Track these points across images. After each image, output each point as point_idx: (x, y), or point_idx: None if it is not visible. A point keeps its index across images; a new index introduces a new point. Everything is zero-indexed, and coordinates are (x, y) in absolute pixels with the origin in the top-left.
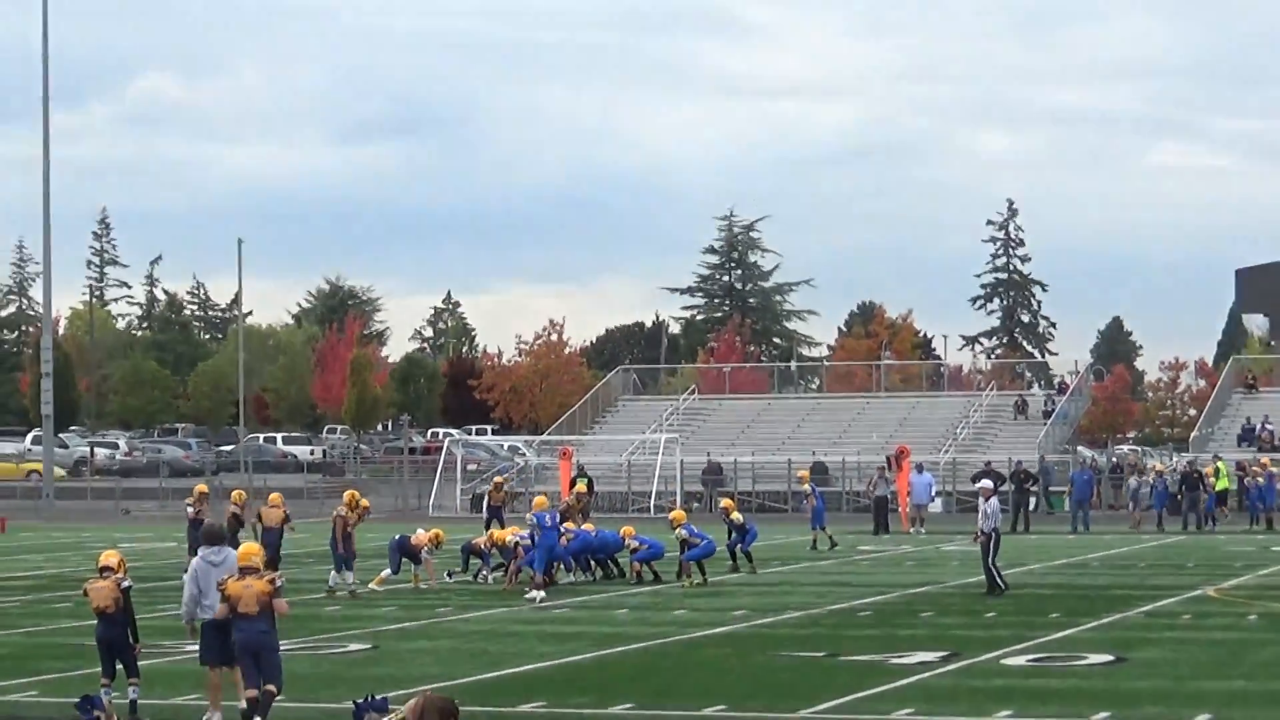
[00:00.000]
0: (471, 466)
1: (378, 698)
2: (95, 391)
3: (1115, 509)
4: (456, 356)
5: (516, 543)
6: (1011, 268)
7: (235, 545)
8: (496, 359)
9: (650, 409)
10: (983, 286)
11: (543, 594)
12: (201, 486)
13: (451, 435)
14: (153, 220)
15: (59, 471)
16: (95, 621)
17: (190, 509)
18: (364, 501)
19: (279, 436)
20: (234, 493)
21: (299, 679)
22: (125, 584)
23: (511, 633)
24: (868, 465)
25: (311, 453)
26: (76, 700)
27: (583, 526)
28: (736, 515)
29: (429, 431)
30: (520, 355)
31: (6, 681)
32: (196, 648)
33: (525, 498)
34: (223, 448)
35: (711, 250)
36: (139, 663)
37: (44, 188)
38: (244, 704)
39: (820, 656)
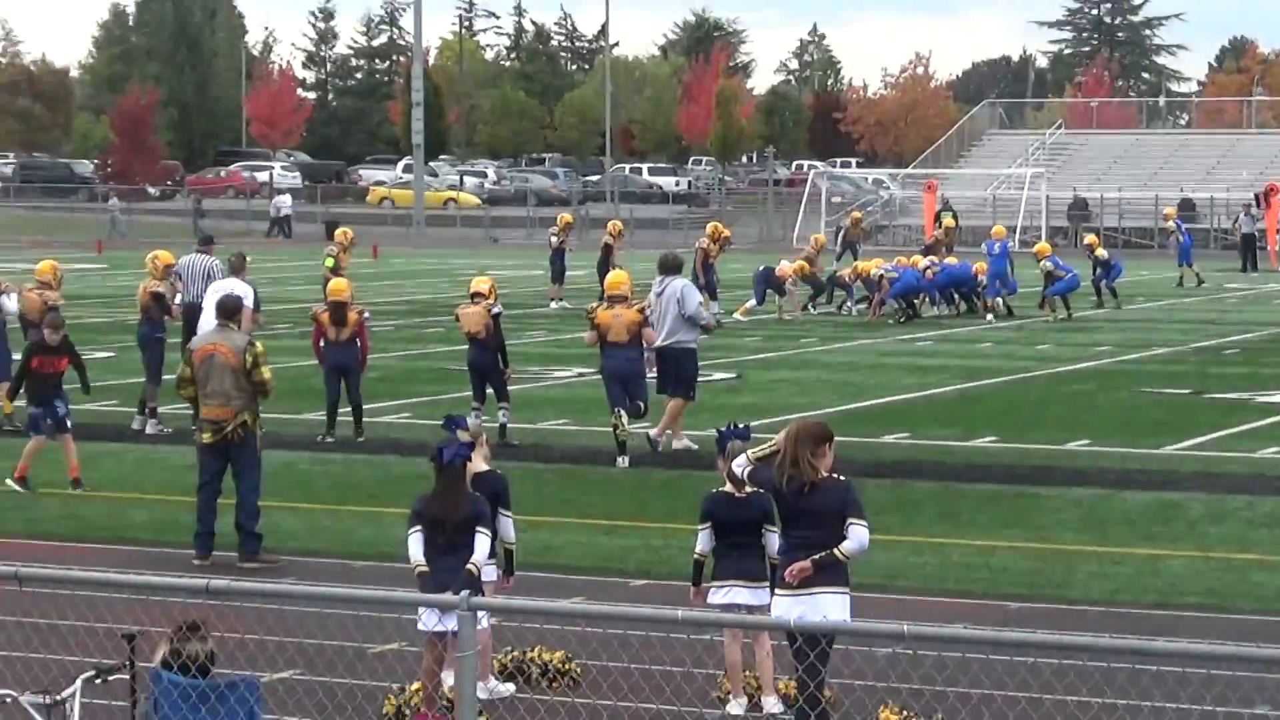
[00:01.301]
0: (836, 199)
1: (741, 425)
2: (464, 121)
3: None
4: (822, 89)
5: (881, 275)
6: None
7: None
8: (862, 92)
9: (1016, 143)
10: None
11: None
12: (566, 217)
13: (816, 168)
14: None
15: (474, 199)
16: (466, 346)
17: (554, 238)
18: (725, 232)
19: (644, 167)
20: (610, 223)
21: (664, 407)
22: (496, 310)
23: (875, 364)
24: (1236, 203)
25: (677, 184)
26: (442, 420)
27: (946, 260)
28: (1101, 251)
29: (794, 164)
30: (886, 88)
31: (381, 404)
32: (565, 374)
33: (890, 231)
34: (589, 178)
35: None
36: (508, 387)
37: None
38: (612, 428)
39: (1185, 394)
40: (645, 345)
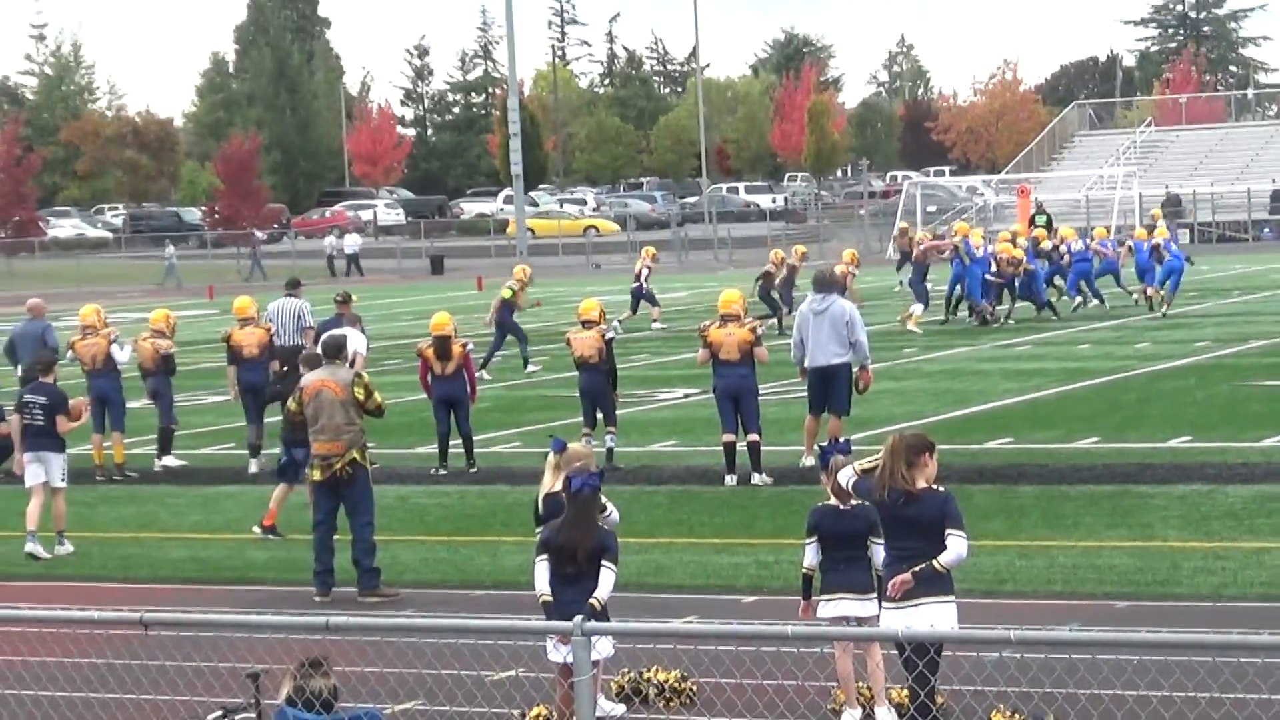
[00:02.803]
0: (931, 208)
1: (842, 440)
2: (561, 150)
3: None
4: (912, 99)
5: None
6: None
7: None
8: (952, 100)
9: (1107, 143)
10: None
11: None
12: (650, 249)
13: (910, 178)
14: None
15: (614, 226)
16: (575, 373)
17: (642, 267)
18: (785, 257)
19: (741, 186)
20: (773, 251)
21: (771, 422)
22: (609, 335)
23: (975, 371)
24: None
25: (774, 201)
26: (551, 437)
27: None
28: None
29: (887, 175)
30: (975, 95)
31: (492, 434)
32: (671, 395)
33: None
34: (687, 199)
35: None
36: (616, 412)
37: None
38: (722, 447)
39: None
40: (758, 363)
